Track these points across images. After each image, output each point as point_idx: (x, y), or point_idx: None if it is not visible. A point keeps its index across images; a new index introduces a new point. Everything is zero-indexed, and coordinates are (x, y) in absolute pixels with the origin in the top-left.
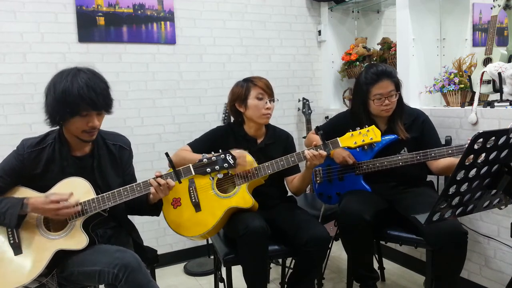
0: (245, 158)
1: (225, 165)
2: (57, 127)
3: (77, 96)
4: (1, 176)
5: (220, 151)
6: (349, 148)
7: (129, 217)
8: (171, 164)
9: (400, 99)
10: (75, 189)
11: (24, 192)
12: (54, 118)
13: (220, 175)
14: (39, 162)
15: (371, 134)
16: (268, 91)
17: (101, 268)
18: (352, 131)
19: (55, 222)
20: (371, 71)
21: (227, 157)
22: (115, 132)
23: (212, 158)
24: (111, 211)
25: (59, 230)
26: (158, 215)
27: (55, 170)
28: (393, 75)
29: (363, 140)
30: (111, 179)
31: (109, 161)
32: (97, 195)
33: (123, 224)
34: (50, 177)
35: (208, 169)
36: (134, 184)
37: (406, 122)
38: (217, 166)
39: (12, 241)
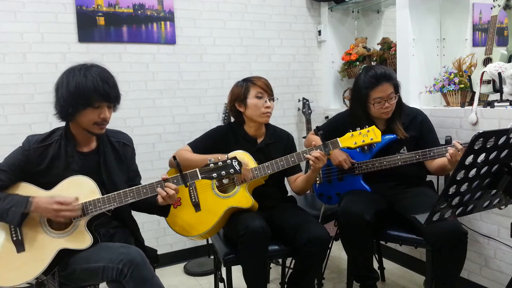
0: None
1: (231, 170)
2: (63, 125)
3: (91, 88)
4: (5, 171)
5: (227, 156)
6: (348, 149)
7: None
8: (179, 168)
9: (399, 100)
10: (80, 188)
11: (27, 188)
12: (66, 111)
13: (225, 180)
14: (44, 159)
15: (371, 135)
16: (267, 90)
17: (105, 264)
18: (352, 131)
19: (58, 221)
20: (369, 75)
21: (234, 163)
22: (117, 129)
23: (219, 163)
24: (114, 210)
25: (63, 228)
26: (167, 216)
27: (60, 166)
28: (392, 78)
29: (363, 141)
30: (117, 176)
31: (114, 158)
32: (102, 191)
33: (127, 223)
34: (55, 173)
35: (214, 174)
36: (140, 186)
37: (405, 121)
38: (223, 172)
39: (15, 238)
